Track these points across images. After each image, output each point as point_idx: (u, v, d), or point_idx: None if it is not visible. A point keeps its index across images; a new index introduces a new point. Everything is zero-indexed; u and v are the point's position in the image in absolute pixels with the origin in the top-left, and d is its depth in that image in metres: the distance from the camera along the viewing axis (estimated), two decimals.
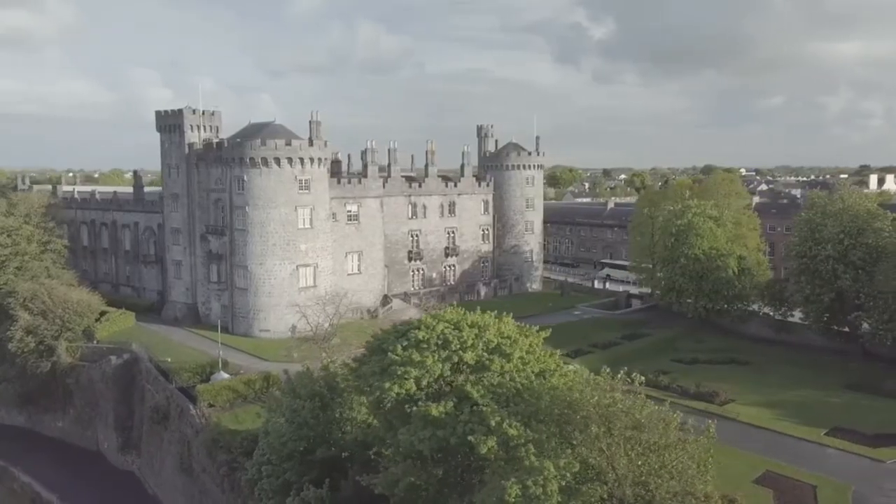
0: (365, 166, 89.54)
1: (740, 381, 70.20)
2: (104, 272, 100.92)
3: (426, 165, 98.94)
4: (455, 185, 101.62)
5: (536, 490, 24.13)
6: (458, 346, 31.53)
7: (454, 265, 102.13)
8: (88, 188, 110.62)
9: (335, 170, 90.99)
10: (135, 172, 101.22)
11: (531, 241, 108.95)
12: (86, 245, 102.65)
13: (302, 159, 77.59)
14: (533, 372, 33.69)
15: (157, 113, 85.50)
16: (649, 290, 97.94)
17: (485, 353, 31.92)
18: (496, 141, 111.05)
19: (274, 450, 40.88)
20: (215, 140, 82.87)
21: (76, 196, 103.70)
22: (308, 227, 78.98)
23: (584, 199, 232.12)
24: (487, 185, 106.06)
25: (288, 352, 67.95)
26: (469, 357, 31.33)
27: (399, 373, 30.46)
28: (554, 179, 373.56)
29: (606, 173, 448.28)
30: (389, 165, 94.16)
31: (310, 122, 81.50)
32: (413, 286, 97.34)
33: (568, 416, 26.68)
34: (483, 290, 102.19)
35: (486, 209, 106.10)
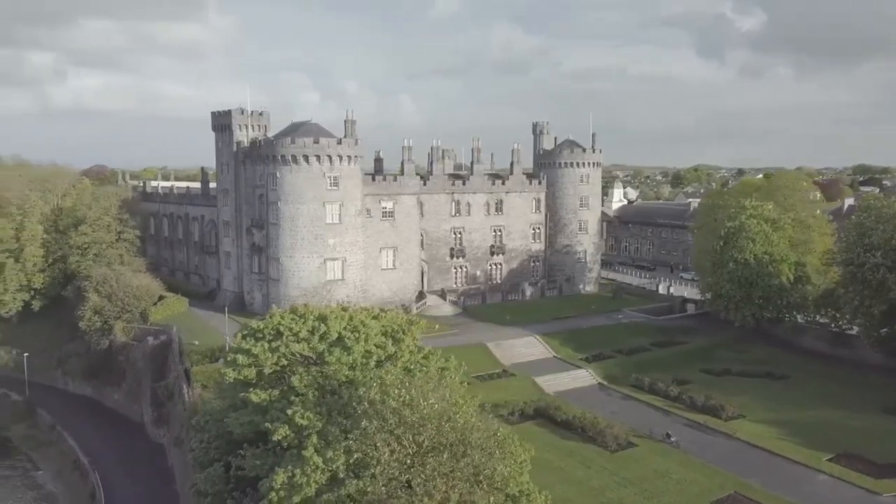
0: (402, 164, 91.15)
1: (764, 396, 65.35)
2: (179, 261, 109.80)
3: (472, 163, 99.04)
4: (503, 183, 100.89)
5: (301, 479, 24.47)
6: (292, 338, 32.24)
7: (500, 263, 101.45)
8: (169, 183, 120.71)
9: (377, 168, 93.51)
10: (202, 169, 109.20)
11: (585, 241, 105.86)
12: (166, 236, 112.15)
13: (330, 157, 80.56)
14: (407, 367, 33.69)
15: (212, 114, 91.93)
16: (703, 296, 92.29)
17: (322, 346, 32.34)
18: (555, 138, 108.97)
19: (202, 429, 43.47)
20: (261, 139, 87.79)
21: (159, 191, 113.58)
22: (336, 222, 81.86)
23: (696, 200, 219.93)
24: (539, 183, 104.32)
25: None
26: (299, 348, 31.96)
27: (229, 359, 31.78)
28: (678, 179, 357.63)
29: (741, 172, 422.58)
30: (432, 163, 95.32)
31: (345, 121, 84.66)
32: (455, 283, 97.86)
33: (353, 409, 26.62)
34: (529, 290, 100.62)
35: (537, 207, 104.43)
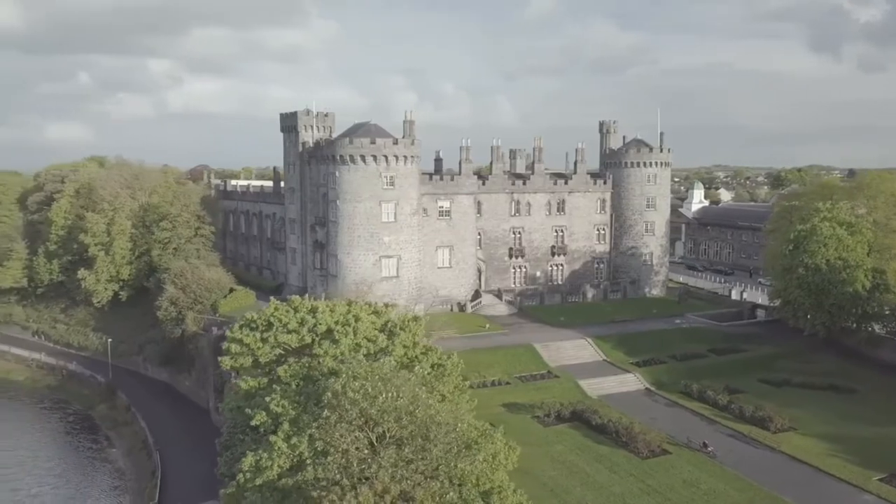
0: (460, 164, 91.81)
1: (822, 409, 61.72)
2: (253, 256, 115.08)
3: (532, 163, 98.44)
4: (565, 183, 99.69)
5: (266, 462, 25.61)
6: (282, 329, 33.45)
7: (562, 264, 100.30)
8: (246, 182, 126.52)
9: (437, 167, 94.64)
10: (274, 168, 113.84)
11: (651, 243, 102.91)
12: (242, 232, 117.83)
13: (386, 157, 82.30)
14: (402, 362, 34.44)
15: (281, 115, 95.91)
16: (771, 303, 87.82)
17: (312, 337, 33.39)
18: (623, 137, 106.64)
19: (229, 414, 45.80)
20: (324, 139, 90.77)
21: (237, 189, 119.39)
22: (392, 220, 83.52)
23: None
24: (605, 183, 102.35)
25: None
26: (288, 339, 33.12)
27: (224, 348, 33.39)
28: (778, 180, 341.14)
29: (852, 173, 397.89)
30: (491, 163, 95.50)
31: (403, 121, 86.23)
32: (514, 283, 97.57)
33: (319, 398, 27.41)
34: (590, 293, 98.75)
35: (602, 208, 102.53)
